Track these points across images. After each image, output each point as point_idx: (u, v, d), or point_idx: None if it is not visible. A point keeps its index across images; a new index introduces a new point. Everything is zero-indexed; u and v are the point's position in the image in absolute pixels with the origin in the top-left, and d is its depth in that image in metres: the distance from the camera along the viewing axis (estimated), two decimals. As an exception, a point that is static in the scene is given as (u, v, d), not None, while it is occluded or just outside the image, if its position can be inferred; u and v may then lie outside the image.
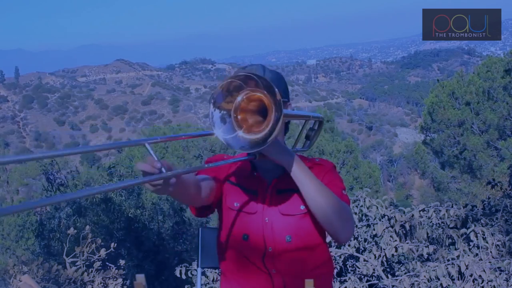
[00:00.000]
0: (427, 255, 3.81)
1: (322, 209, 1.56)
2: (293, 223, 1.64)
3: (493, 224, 3.96)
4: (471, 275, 3.51)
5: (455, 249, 3.82)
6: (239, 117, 1.46)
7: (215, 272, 3.91)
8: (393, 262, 4.10)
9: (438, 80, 18.86)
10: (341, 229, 1.59)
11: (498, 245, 3.74)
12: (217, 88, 1.44)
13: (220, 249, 1.76)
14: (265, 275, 1.65)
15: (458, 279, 3.54)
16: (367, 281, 3.96)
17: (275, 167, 1.65)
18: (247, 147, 1.42)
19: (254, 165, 1.72)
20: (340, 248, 4.09)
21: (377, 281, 3.88)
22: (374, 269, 3.89)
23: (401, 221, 4.04)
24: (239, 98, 1.44)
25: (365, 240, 4.11)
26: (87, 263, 4.68)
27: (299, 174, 1.56)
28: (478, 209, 4.17)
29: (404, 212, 4.17)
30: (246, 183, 1.69)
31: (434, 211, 4.08)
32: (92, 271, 4.59)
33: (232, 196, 1.69)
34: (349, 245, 4.07)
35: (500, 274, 3.51)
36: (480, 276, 3.50)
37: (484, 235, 3.76)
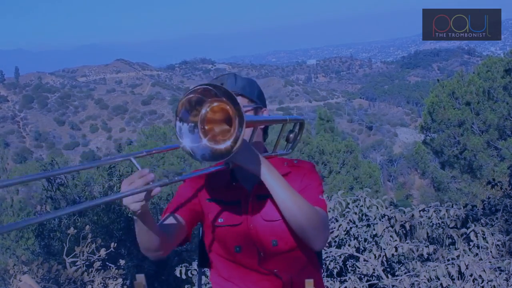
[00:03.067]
0: (427, 255, 3.81)
1: (294, 218, 1.56)
2: (276, 228, 1.65)
3: (493, 224, 3.96)
4: (471, 275, 3.51)
5: (455, 249, 3.82)
6: (206, 127, 1.46)
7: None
8: (393, 262, 4.10)
9: (438, 80, 18.85)
10: (314, 238, 1.59)
11: (498, 245, 3.74)
12: (179, 105, 1.43)
13: (214, 263, 1.76)
14: (270, 276, 1.67)
15: (458, 279, 3.54)
16: (367, 281, 3.96)
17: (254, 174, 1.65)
18: (208, 156, 1.42)
19: (234, 174, 1.70)
20: (340, 248, 4.09)
21: (377, 281, 3.88)
22: (374, 269, 3.89)
23: (401, 221, 4.04)
24: (203, 111, 1.44)
25: (365, 240, 4.11)
26: (87, 263, 4.68)
27: (271, 182, 1.56)
28: (478, 209, 4.17)
29: (404, 212, 4.17)
30: (227, 195, 1.68)
31: (434, 211, 4.08)
32: (92, 271, 4.59)
33: (215, 213, 1.67)
34: (349, 245, 4.07)
35: (500, 274, 3.51)
36: (480, 276, 3.50)
37: (484, 235, 3.76)
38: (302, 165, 1.76)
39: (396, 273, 3.91)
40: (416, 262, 3.82)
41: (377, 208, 4.16)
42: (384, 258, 3.92)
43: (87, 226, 4.92)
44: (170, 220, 1.62)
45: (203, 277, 3.93)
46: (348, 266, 4.15)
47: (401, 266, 4.00)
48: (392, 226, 4.04)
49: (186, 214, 1.65)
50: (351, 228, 4.12)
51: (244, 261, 1.67)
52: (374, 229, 4.02)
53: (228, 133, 1.41)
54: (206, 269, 2.41)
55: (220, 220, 1.66)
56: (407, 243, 3.88)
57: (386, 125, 79.37)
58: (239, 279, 1.69)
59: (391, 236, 3.95)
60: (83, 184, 8.91)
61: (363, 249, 4.09)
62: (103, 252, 4.67)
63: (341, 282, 3.92)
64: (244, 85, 1.67)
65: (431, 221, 4.08)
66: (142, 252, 1.61)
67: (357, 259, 4.05)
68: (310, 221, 1.57)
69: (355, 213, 4.19)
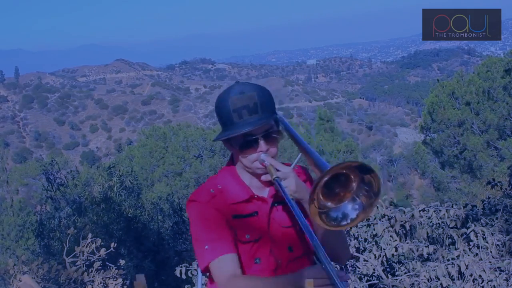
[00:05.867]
0: (427, 255, 3.81)
1: (333, 243, 1.66)
2: (292, 234, 1.68)
3: (493, 224, 3.96)
4: (471, 275, 3.51)
5: (455, 249, 3.82)
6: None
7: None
8: (393, 262, 4.09)
9: (438, 80, 18.84)
10: (344, 256, 1.73)
11: (498, 245, 3.74)
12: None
13: None
14: None
15: (458, 279, 3.54)
16: (367, 281, 3.96)
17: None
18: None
19: (248, 186, 1.71)
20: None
21: (377, 281, 3.88)
22: (374, 269, 3.89)
23: (401, 221, 4.04)
24: (353, 185, 1.47)
25: (365, 240, 4.11)
26: (87, 263, 4.68)
27: None
28: (478, 209, 4.17)
29: (404, 212, 4.17)
30: (246, 208, 1.68)
31: (434, 211, 4.08)
32: (92, 271, 4.59)
33: (241, 229, 1.66)
34: (349, 245, 4.07)
35: (500, 274, 3.51)
36: (480, 276, 3.50)
37: (484, 235, 3.76)
38: (302, 170, 1.81)
39: (396, 273, 3.91)
40: (416, 262, 3.81)
41: (377, 208, 4.16)
42: (384, 258, 3.92)
43: (87, 226, 4.93)
44: (236, 261, 1.61)
45: (203, 277, 3.93)
46: (348, 266, 4.15)
47: (401, 266, 3.99)
48: (392, 226, 4.03)
49: (233, 241, 1.63)
50: (351, 228, 4.12)
51: (260, 271, 1.67)
52: (374, 229, 4.02)
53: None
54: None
55: (247, 237, 1.65)
56: (407, 243, 3.87)
57: (386, 125, 79.34)
58: None
59: (391, 236, 3.95)
60: (83, 184, 8.92)
61: (363, 249, 4.09)
62: (103, 252, 4.67)
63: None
64: (268, 97, 1.67)
65: (431, 221, 4.08)
66: None
67: (357, 259, 4.05)
68: (342, 244, 1.69)
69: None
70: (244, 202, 1.68)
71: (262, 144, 1.62)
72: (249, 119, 1.59)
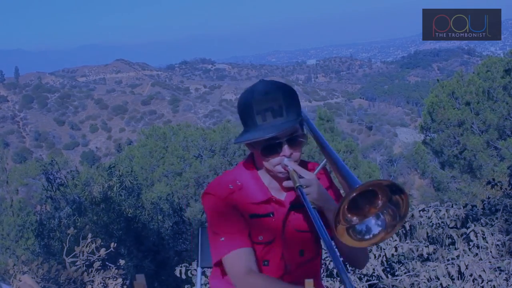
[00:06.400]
0: (427, 255, 3.81)
1: (355, 252, 1.66)
2: (306, 238, 1.66)
3: (493, 224, 3.96)
4: (471, 275, 3.51)
5: (455, 249, 3.82)
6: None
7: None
8: (393, 262, 4.09)
9: (438, 80, 18.85)
10: (364, 261, 1.74)
11: (498, 244, 3.74)
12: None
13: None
14: None
15: (458, 279, 3.54)
16: (367, 280, 3.96)
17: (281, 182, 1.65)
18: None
19: (267, 187, 1.69)
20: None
21: (377, 281, 3.88)
22: (374, 269, 3.89)
23: (401, 221, 4.03)
24: (380, 202, 1.45)
25: (365, 240, 4.10)
26: (87, 263, 4.68)
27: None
28: (478, 209, 4.17)
29: (404, 212, 4.16)
30: (262, 208, 1.65)
31: (434, 211, 4.08)
32: (92, 271, 4.59)
33: (255, 229, 1.63)
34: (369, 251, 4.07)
35: (500, 274, 3.51)
36: (480, 276, 3.50)
37: (484, 234, 3.76)
38: (324, 174, 1.78)
39: (396, 273, 3.91)
40: (416, 262, 3.81)
41: (377, 208, 4.15)
42: (384, 258, 3.92)
43: (87, 226, 4.93)
44: (252, 256, 1.60)
45: (202, 277, 3.93)
46: (348, 266, 4.15)
47: (401, 266, 3.99)
48: (392, 226, 4.03)
49: (249, 238, 1.62)
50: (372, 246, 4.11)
51: (268, 273, 1.64)
52: (374, 229, 4.02)
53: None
54: (206, 269, 2.40)
55: (260, 238, 1.63)
56: (407, 243, 3.87)
57: (386, 125, 79.30)
58: None
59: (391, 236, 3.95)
60: (83, 184, 8.92)
61: (363, 249, 4.09)
62: (103, 252, 4.67)
63: (341, 282, 3.92)
64: (295, 96, 1.64)
65: (431, 221, 4.08)
66: None
67: (357, 259, 4.05)
68: (366, 255, 1.70)
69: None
70: (262, 203, 1.65)
71: (285, 148, 1.57)
72: (274, 122, 1.53)
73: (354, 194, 1.37)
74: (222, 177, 1.70)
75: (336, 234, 1.39)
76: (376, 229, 1.42)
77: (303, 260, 1.67)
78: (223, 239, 1.58)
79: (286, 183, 1.60)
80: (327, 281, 3.94)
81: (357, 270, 4.01)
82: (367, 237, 1.43)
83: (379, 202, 1.42)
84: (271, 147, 1.57)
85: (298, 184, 1.54)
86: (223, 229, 1.59)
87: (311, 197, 1.55)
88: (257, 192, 1.65)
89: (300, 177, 1.56)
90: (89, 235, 4.74)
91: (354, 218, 1.43)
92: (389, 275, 3.89)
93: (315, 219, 1.45)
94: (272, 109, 1.53)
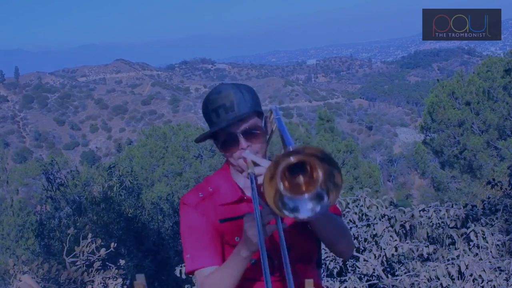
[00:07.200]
0: (427, 255, 3.81)
1: (333, 240, 1.66)
2: (288, 235, 1.61)
3: (493, 223, 3.96)
4: (471, 275, 3.51)
5: (455, 249, 3.82)
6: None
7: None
8: (393, 261, 4.09)
9: (438, 80, 18.86)
10: (348, 251, 1.74)
11: (498, 244, 3.74)
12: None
13: None
14: (278, 283, 1.66)
15: (458, 279, 3.54)
16: (367, 280, 3.96)
17: None
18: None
19: (240, 188, 1.69)
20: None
21: (377, 281, 3.88)
22: (374, 269, 3.89)
23: (401, 221, 4.04)
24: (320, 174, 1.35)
25: (365, 240, 4.11)
26: (87, 263, 4.68)
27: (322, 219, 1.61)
28: (478, 209, 4.17)
29: (404, 212, 4.17)
30: (237, 209, 1.65)
31: (434, 211, 4.08)
32: (92, 271, 4.59)
33: (230, 233, 1.64)
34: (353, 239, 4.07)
35: (500, 273, 3.51)
36: (480, 275, 3.50)
37: (484, 234, 3.76)
38: None
39: (396, 273, 3.91)
40: (416, 262, 3.81)
41: (377, 208, 4.16)
42: (384, 258, 3.92)
43: (87, 226, 4.92)
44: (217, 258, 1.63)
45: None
46: (348, 266, 4.15)
47: (401, 266, 3.99)
48: (392, 226, 4.03)
49: (219, 251, 1.64)
50: (351, 228, 4.12)
51: (256, 272, 1.63)
52: (374, 229, 4.02)
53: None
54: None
55: (236, 239, 1.63)
56: (407, 243, 3.88)
57: (386, 125, 79.30)
58: None
59: (391, 236, 3.95)
60: (83, 184, 8.92)
61: (363, 249, 4.09)
62: (103, 252, 4.67)
63: (341, 282, 3.92)
64: (252, 95, 1.64)
65: (431, 221, 4.08)
66: None
67: (357, 259, 4.05)
68: (345, 237, 1.68)
69: (355, 213, 4.19)
70: (235, 204, 1.66)
71: (241, 141, 1.59)
72: (226, 116, 1.58)
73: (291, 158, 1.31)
74: (198, 184, 1.75)
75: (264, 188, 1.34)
76: (304, 214, 1.36)
77: (291, 257, 1.65)
78: (188, 255, 1.65)
79: (245, 173, 1.59)
80: (327, 281, 3.94)
81: (357, 269, 4.01)
82: (286, 213, 1.35)
83: (318, 181, 1.35)
84: (227, 142, 1.61)
85: (249, 171, 1.53)
86: (189, 245, 1.65)
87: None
88: (228, 193, 1.67)
89: (256, 165, 1.55)
90: (89, 235, 4.74)
91: (286, 184, 1.35)
92: (389, 275, 3.89)
93: (256, 209, 1.43)
94: (224, 106, 1.59)
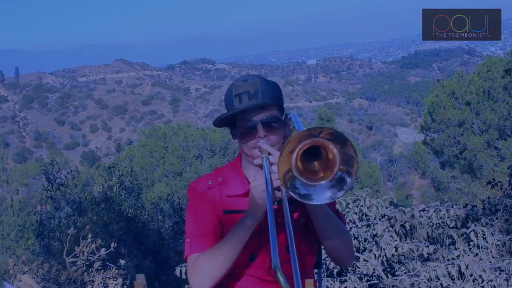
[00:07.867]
0: (427, 255, 3.81)
1: (336, 249, 1.66)
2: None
3: (493, 224, 3.96)
4: (471, 275, 3.51)
5: (455, 249, 3.82)
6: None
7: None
8: (393, 262, 4.09)
9: (438, 80, 18.86)
10: (349, 260, 1.73)
11: (498, 244, 3.74)
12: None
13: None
14: (275, 285, 1.64)
15: (458, 279, 3.54)
16: (367, 280, 3.96)
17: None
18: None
19: (249, 181, 1.68)
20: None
21: (377, 281, 3.88)
22: (374, 269, 3.89)
23: (401, 221, 4.04)
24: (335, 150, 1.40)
25: (365, 240, 4.11)
26: (87, 263, 4.68)
27: (321, 216, 1.61)
28: (478, 209, 4.17)
29: (404, 212, 4.17)
30: (243, 203, 1.63)
31: (434, 211, 4.08)
32: (92, 271, 4.59)
33: (233, 225, 1.62)
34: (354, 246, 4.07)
35: (500, 274, 3.51)
36: (480, 276, 3.50)
37: (484, 234, 3.76)
38: None
39: (396, 273, 3.91)
40: (416, 262, 3.81)
41: (377, 208, 4.16)
42: (384, 258, 3.92)
43: (87, 226, 4.92)
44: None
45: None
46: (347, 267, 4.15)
47: (401, 266, 3.99)
48: (392, 226, 4.03)
49: (218, 237, 1.64)
50: (351, 228, 4.12)
51: (254, 269, 1.64)
52: (374, 229, 4.02)
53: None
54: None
55: None
56: (407, 243, 3.88)
57: (386, 125, 79.29)
58: None
59: (391, 236, 3.95)
60: (83, 184, 8.91)
61: (363, 249, 4.09)
62: (103, 252, 4.67)
63: (341, 282, 3.92)
64: (275, 89, 1.66)
65: (431, 221, 4.08)
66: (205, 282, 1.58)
67: (357, 259, 4.05)
68: (346, 246, 1.67)
69: (355, 213, 4.19)
70: (241, 197, 1.65)
71: (260, 129, 1.59)
72: (249, 103, 1.58)
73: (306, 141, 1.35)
74: (208, 173, 1.75)
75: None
76: (317, 199, 1.39)
77: (289, 256, 1.65)
78: (188, 240, 1.65)
79: (257, 161, 1.60)
80: (327, 281, 3.94)
81: (357, 269, 4.01)
82: (294, 195, 1.40)
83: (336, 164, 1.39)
84: (247, 130, 1.61)
85: (264, 155, 1.54)
86: (191, 230, 1.65)
87: (276, 175, 1.51)
88: (237, 186, 1.67)
89: (270, 154, 1.56)
90: (89, 235, 4.74)
91: (301, 166, 1.39)
92: (389, 275, 3.89)
93: (268, 191, 1.46)
94: (248, 93, 1.59)
